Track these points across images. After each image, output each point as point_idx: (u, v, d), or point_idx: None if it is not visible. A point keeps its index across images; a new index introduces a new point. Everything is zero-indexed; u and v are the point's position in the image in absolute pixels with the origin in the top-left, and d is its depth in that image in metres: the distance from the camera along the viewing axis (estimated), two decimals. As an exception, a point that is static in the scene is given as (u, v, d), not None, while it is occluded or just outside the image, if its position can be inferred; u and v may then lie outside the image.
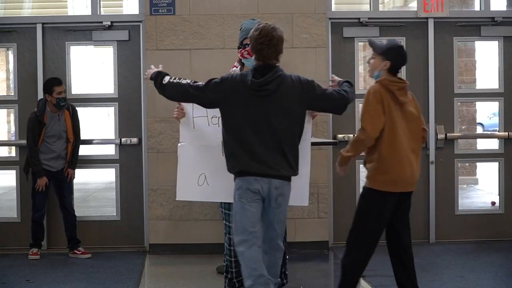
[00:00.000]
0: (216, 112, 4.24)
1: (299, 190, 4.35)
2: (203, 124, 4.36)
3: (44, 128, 6.41)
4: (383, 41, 4.47)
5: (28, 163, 6.48)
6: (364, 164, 4.45)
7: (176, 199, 4.60)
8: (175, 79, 4.17)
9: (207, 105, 4.19)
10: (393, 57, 4.37)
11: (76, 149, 6.60)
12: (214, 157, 4.36)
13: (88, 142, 6.93)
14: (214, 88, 4.06)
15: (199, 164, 4.43)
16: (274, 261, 4.19)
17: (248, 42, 4.33)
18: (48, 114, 6.45)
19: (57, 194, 6.60)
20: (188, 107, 4.39)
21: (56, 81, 6.50)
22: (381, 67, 4.38)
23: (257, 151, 3.98)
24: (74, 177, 6.64)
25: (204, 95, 4.08)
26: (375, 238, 4.42)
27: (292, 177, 4.15)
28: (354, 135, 4.42)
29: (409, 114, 4.40)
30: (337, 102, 4.18)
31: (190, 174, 4.46)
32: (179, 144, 4.51)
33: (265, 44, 3.96)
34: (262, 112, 3.99)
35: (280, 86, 4.00)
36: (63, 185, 6.57)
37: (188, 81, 4.15)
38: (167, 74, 4.24)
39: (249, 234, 4.00)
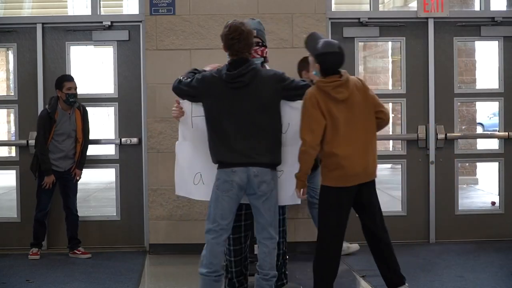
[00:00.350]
0: None
1: (290, 188, 4.37)
2: (201, 124, 4.36)
3: (54, 126, 6.42)
4: (320, 41, 4.40)
5: (37, 161, 6.48)
6: (320, 162, 4.50)
7: (175, 193, 4.61)
8: (184, 78, 4.35)
9: (193, 99, 4.35)
10: (323, 63, 4.37)
11: (84, 150, 6.60)
12: (210, 156, 4.35)
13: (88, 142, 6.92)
14: (196, 83, 4.27)
15: (195, 163, 4.44)
16: (268, 251, 4.23)
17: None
18: (59, 111, 6.45)
19: (62, 194, 6.60)
20: (187, 106, 4.41)
21: (67, 77, 6.52)
22: (315, 68, 4.41)
23: (234, 142, 4.15)
24: (80, 178, 6.64)
25: (190, 89, 4.29)
26: (337, 236, 4.44)
27: (283, 176, 4.28)
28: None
29: (356, 106, 4.36)
30: (305, 90, 4.32)
31: (186, 172, 4.48)
32: (176, 143, 4.53)
33: (236, 38, 4.15)
34: (238, 103, 4.16)
35: (254, 78, 4.17)
36: (68, 185, 6.57)
37: (185, 78, 4.34)
38: (191, 73, 4.42)
39: (218, 226, 4.18)
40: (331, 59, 4.38)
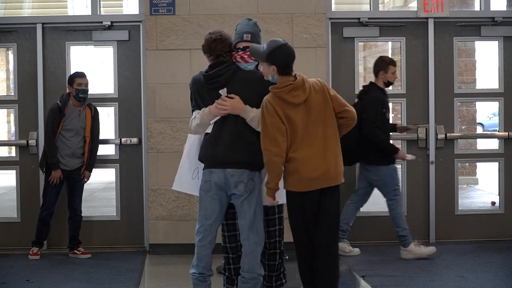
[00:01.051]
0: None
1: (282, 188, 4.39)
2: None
3: (63, 120, 6.42)
4: (263, 45, 4.21)
5: (45, 155, 6.48)
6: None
7: (172, 188, 4.69)
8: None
9: (197, 104, 4.45)
10: (276, 60, 4.14)
11: (94, 151, 6.60)
12: None
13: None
14: (190, 88, 4.43)
15: (196, 158, 4.49)
16: (245, 252, 4.29)
17: (241, 46, 4.33)
18: (69, 107, 6.46)
19: (68, 194, 6.60)
20: None
21: (79, 73, 6.54)
22: (271, 73, 4.17)
23: (214, 142, 4.25)
24: (88, 180, 6.65)
25: (191, 96, 4.46)
26: (302, 240, 4.33)
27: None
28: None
29: (315, 108, 4.18)
30: None
31: (188, 165, 4.57)
32: (189, 135, 4.61)
33: (218, 39, 4.28)
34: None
35: (232, 79, 4.25)
36: (75, 185, 6.57)
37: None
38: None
39: (201, 227, 4.35)
40: (282, 53, 4.15)
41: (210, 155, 4.26)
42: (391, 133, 6.55)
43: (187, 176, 4.56)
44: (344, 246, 6.41)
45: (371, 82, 6.43)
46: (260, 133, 4.18)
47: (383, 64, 6.37)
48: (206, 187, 4.28)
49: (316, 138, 4.19)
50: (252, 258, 4.28)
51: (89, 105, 6.58)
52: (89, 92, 6.53)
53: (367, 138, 6.21)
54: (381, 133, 6.23)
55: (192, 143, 4.56)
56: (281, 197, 4.41)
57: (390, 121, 6.61)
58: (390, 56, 6.65)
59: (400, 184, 6.77)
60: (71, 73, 6.60)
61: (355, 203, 6.56)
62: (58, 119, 6.41)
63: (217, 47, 4.28)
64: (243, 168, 4.21)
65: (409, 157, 6.44)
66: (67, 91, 6.51)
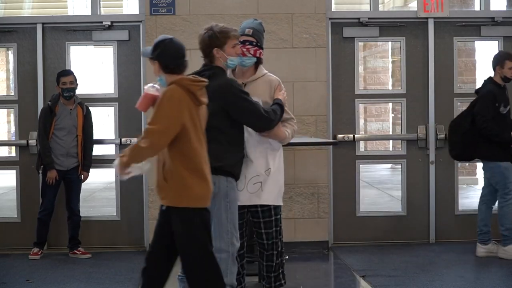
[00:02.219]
0: None
1: (275, 188, 4.39)
2: None
3: (54, 119, 6.43)
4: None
5: (40, 156, 6.49)
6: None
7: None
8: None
9: None
10: (159, 56, 3.77)
11: (88, 151, 6.60)
12: None
13: (88, 142, 6.93)
14: None
15: None
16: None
17: (241, 40, 4.33)
18: (60, 105, 6.49)
19: (65, 194, 6.61)
20: None
21: (63, 72, 6.55)
22: (157, 71, 3.81)
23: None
24: (86, 179, 6.65)
25: None
26: (155, 253, 3.86)
27: (270, 177, 4.29)
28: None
29: (204, 115, 3.83)
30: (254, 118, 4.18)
31: None
32: None
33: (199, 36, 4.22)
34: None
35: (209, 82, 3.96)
36: (71, 185, 6.58)
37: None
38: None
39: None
40: (170, 46, 3.79)
41: None
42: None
43: None
44: (493, 248, 6.34)
45: (489, 77, 6.41)
46: (154, 118, 3.62)
47: (499, 59, 6.31)
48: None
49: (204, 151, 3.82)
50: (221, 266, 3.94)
51: (81, 103, 6.58)
52: (89, 92, 6.54)
53: (481, 133, 6.17)
54: (494, 126, 6.13)
55: None
56: (278, 198, 4.43)
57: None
58: (508, 51, 6.48)
59: (400, 184, 6.77)
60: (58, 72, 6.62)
61: (485, 203, 6.50)
62: (50, 119, 6.43)
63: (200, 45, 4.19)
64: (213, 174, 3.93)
65: None
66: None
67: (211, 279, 3.69)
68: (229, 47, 4.14)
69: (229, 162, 4.10)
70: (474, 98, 6.40)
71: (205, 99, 3.80)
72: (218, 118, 4.03)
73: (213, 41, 4.14)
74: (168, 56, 3.78)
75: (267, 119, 4.15)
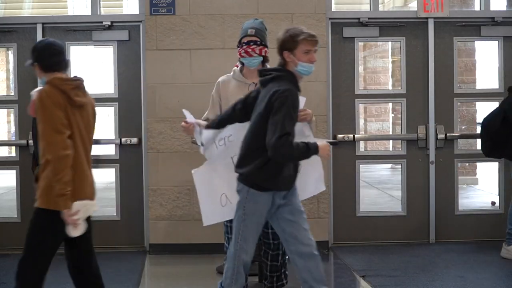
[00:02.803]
0: (223, 134, 4.28)
1: (310, 181, 4.39)
2: (213, 150, 4.34)
3: None
4: None
5: (34, 156, 6.47)
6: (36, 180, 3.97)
7: (204, 225, 4.51)
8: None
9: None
10: (37, 58, 3.79)
11: None
12: (228, 174, 4.22)
13: (88, 142, 6.93)
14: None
15: (217, 186, 4.38)
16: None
17: (245, 41, 4.34)
18: None
19: None
20: (206, 137, 4.30)
21: None
22: (38, 74, 3.82)
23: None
24: None
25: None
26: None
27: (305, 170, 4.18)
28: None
29: (88, 118, 3.88)
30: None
31: (211, 198, 4.40)
32: (192, 171, 4.46)
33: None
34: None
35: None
36: None
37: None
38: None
39: None
40: (45, 46, 3.79)
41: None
42: None
43: (216, 206, 4.39)
44: None
45: None
46: (41, 130, 3.64)
47: None
48: None
49: (87, 153, 3.94)
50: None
51: None
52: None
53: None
54: None
55: (202, 177, 4.40)
56: (315, 188, 4.45)
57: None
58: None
59: (400, 184, 6.75)
60: None
61: None
62: None
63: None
64: (238, 180, 3.99)
65: None
66: None
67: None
68: (299, 52, 3.94)
69: (253, 171, 3.87)
70: (501, 99, 6.37)
71: (80, 99, 3.78)
72: (260, 122, 3.83)
73: (284, 43, 3.95)
74: (45, 56, 3.77)
75: (282, 147, 3.70)
